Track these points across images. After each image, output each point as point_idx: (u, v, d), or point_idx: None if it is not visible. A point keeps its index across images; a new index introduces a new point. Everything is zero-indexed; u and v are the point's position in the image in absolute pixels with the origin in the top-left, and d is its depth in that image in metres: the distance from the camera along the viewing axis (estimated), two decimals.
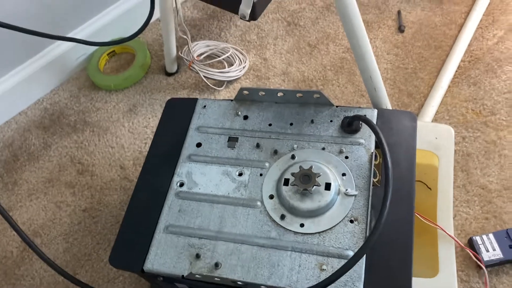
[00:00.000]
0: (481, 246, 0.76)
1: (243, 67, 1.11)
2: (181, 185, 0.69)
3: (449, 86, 1.00)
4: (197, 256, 0.62)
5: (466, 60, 1.04)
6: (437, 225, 0.65)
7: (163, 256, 0.63)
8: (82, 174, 1.01)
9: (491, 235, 0.76)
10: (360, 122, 0.69)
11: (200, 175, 0.70)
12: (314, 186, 0.62)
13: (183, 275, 0.61)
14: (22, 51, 1.08)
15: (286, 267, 0.59)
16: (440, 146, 0.71)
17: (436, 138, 0.72)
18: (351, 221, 0.62)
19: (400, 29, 1.12)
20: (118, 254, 0.66)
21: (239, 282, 0.59)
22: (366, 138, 0.69)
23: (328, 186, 0.63)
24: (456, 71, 1.02)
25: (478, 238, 0.77)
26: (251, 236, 0.63)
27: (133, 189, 0.70)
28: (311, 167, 0.64)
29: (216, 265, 0.61)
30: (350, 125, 0.70)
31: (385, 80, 1.04)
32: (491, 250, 0.75)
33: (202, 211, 0.66)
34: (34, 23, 1.00)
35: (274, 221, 0.63)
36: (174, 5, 0.89)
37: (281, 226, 0.63)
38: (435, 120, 0.95)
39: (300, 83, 1.08)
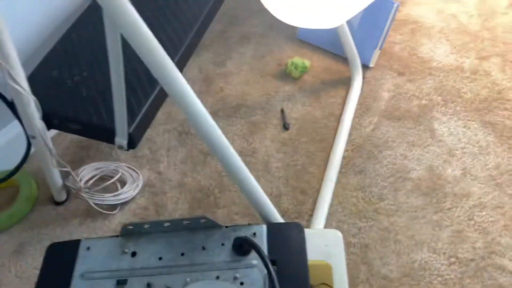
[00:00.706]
0: None
1: (137, 185, 1.08)
2: None
3: (338, 178, 1.04)
4: None
5: (349, 150, 1.10)
6: None
7: None
8: None
9: None
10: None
11: None
12: None
13: None
14: None
15: None
16: (330, 253, 0.72)
17: (326, 245, 0.73)
18: None
19: (285, 127, 1.17)
20: None
21: None
22: (258, 259, 0.67)
23: None
24: (342, 161, 1.07)
25: None
26: None
27: None
28: None
29: None
30: (241, 248, 0.68)
31: (278, 178, 1.06)
32: None
33: None
34: None
35: None
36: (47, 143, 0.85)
37: None
38: (330, 214, 0.97)
39: (197, 193, 1.07)
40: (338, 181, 1.03)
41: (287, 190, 1.04)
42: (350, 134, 1.13)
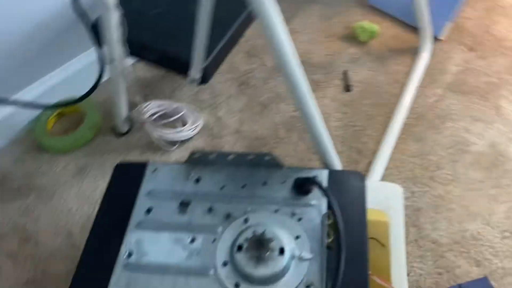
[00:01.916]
0: None
1: (196, 126, 1.11)
2: (130, 255, 0.66)
3: (396, 143, 1.03)
4: None
5: (410, 117, 1.09)
6: (391, 286, 0.65)
7: None
8: (26, 242, 0.95)
9: None
10: (312, 184, 0.70)
11: (150, 244, 0.67)
12: (268, 252, 0.61)
13: None
14: None
15: None
16: (389, 204, 0.73)
17: (385, 197, 0.74)
18: (307, 286, 0.60)
19: (347, 88, 1.17)
20: None
21: None
22: (318, 199, 0.69)
23: (282, 251, 0.62)
24: (402, 128, 1.06)
25: None
26: None
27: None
28: (264, 232, 0.63)
29: None
30: (302, 187, 0.70)
31: (335, 137, 1.06)
32: None
33: (151, 284, 0.63)
34: None
35: None
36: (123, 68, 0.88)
37: None
38: (385, 176, 0.97)
39: (253, 142, 1.09)
40: (396, 146, 1.03)
41: (343, 149, 1.04)
42: (413, 102, 1.11)
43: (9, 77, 1.07)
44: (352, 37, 1.31)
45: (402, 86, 1.16)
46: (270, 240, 0.62)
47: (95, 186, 1.03)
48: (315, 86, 1.19)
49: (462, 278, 0.81)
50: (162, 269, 0.64)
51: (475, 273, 0.82)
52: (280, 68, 0.68)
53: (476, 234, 0.87)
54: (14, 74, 1.07)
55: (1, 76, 1.05)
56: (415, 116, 1.09)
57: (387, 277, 0.69)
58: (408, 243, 0.85)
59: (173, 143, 1.09)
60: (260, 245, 0.62)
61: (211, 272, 0.63)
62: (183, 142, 1.10)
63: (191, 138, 1.10)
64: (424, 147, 1.03)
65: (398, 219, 0.70)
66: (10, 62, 1.04)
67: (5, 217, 0.99)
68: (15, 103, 0.97)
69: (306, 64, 1.25)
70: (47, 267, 0.91)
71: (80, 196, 1.02)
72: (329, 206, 0.68)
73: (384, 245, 0.77)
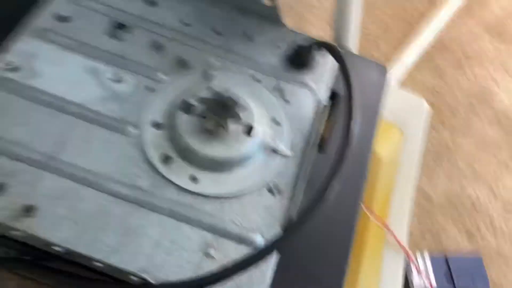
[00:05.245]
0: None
1: None
2: (14, 70, 0.41)
3: (411, 69, 0.83)
4: (1, 187, 0.35)
5: (435, 46, 0.90)
6: (388, 228, 0.45)
7: None
8: None
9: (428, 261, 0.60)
10: (315, 58, 0.47)
11: (48, 64, 0.42)
12: (228, 125, 0.39)
13: None
14: None
15: (149, 240, 0.36)
16: (408, 121, 0.52)
17: (405, 110, 0.53)
18: (270, 191, 0.40)
19: None
20: None
21: (57, 248, 0.34)
22: (317, 82, 0.47)
23: (249, 130, 0.40)
24: (422, 55, 0.86)
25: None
26: (105, 177, 0.37)
27: None
28: (230, 97, 0.40)
29: (28, 209, 0.35)
30: (302, 57, 0.47)
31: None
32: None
33: (34, 118, 0.39)
34: None
35: (150, 162, 0.39)
36: None
37: (160, 174, 0.38)
38: None
39: None
40: (410, 73, 0.84)
41: None
42: (441, 31, 0.90)
43: None
44: None
45: (434, 7, 0.94)
46: (238, 107, 0.39)
47: None
48: None
49: (447, 247, 0.65)
50: (57, 104, 0.40)
51: (463, 245, 0.66)
52: None
53: (476, 201, 0.71)
54: None
55: None
56: (440, 47, 0.90)
57: (383, 214, 0.50)
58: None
59: None
60: (220, 111, 0.40)
61: (131, 130, 0.40)
62: None
63: None
64: (442, 85, 0.83)
65: (415, 141, 0.51)
66: None
67: None
68: None
69: None
70: None
71: None
72: (332, 96, 0.46)
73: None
